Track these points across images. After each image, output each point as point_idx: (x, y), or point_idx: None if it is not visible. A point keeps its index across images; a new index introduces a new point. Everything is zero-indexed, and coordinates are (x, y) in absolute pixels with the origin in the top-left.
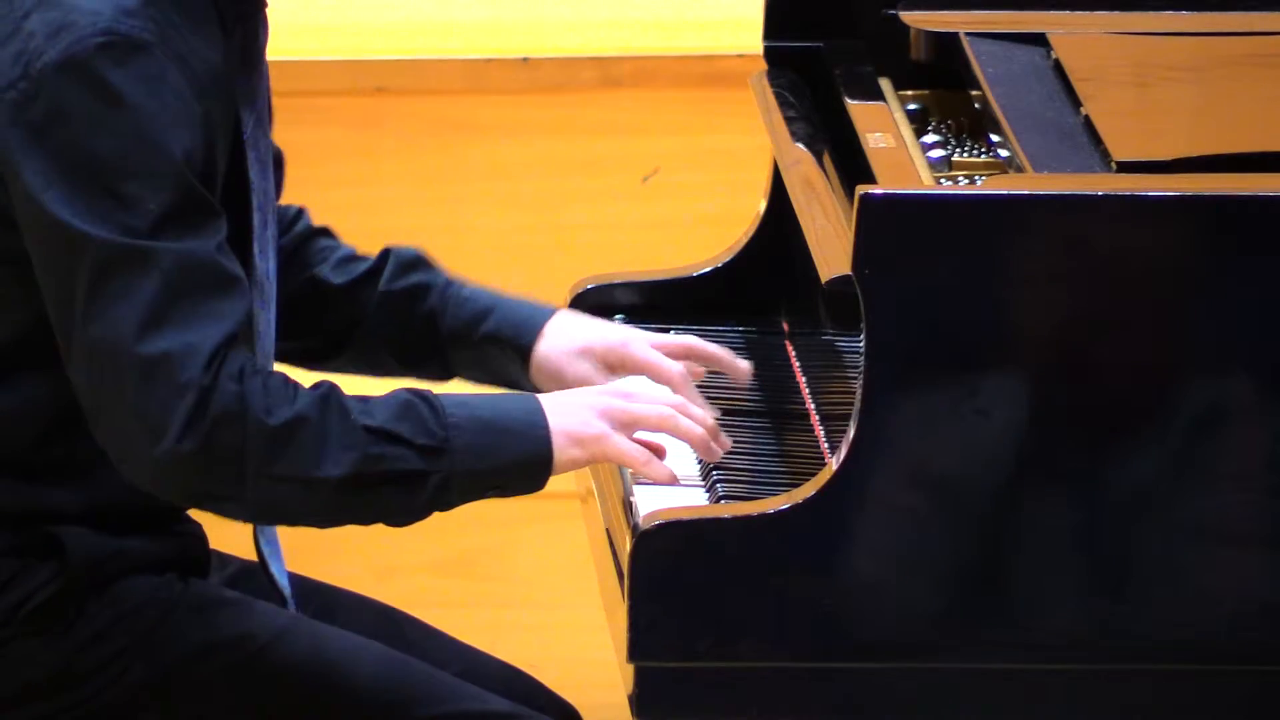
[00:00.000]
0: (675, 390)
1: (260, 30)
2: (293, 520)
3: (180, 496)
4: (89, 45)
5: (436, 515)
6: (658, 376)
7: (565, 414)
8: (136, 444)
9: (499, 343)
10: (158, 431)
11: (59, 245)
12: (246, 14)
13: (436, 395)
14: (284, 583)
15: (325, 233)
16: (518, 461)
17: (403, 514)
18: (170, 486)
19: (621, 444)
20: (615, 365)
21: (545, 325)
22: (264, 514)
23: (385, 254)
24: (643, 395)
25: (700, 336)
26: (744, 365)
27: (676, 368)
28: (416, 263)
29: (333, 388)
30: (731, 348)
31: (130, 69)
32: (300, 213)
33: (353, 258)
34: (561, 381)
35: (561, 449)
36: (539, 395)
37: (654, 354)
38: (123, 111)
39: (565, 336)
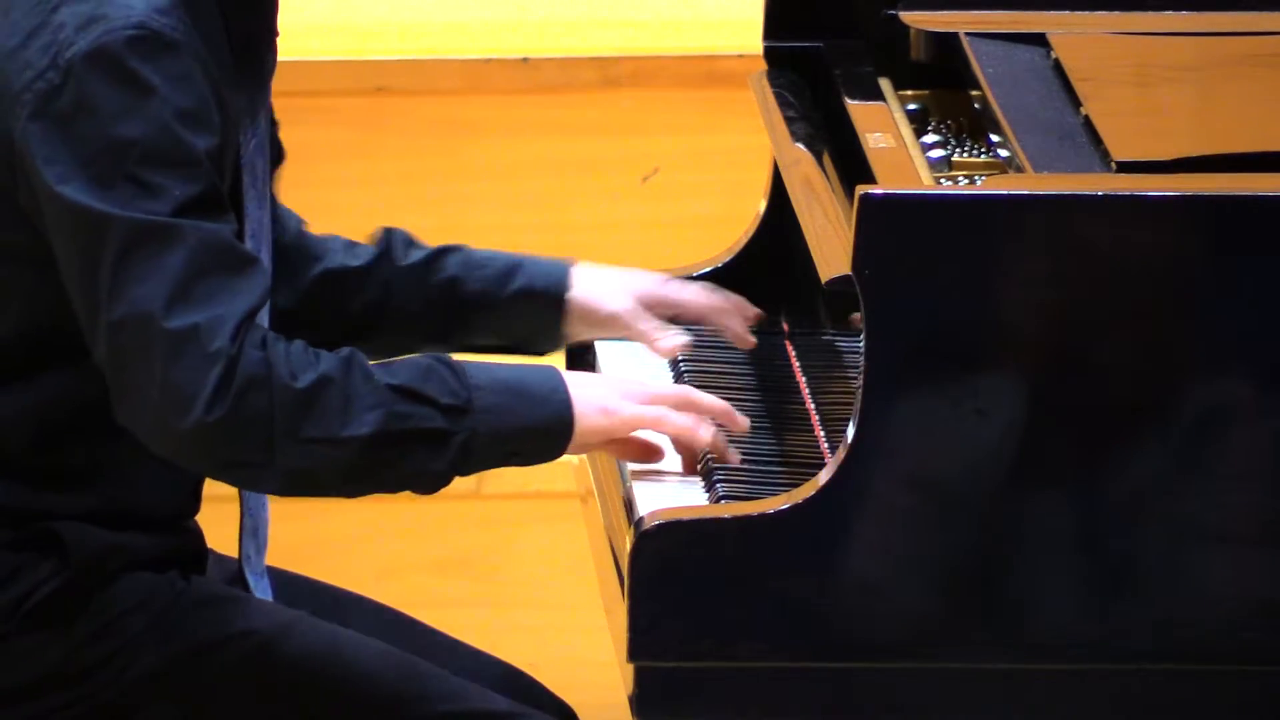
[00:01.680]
0: (714, 318)
1: (266, 58)
2: (321, 488)
3: (211, 467)
4: (120, 37)
5: (436, 515)
6: (695, 308)
7: (584, 384)
8: (166, 417)
9: (531, 295)
10: (188, 402)
11: (82, 229)
12: (255, 40)
13: (457, 360)
14: (259, 592)
15: (306, 226)
16: (540, 424)
17: (427, 477)
18: (201, 456)
19: (638, 408)
20: (652, 303)
21: (572, 273)
22: (293, 481)
23: (386, 234)
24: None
25: (700, 337)
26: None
27: (713, 298)
28: (414, 240)
29: (354, 352)
30: (731, 348)
31: (159, 64)
32: (288, 212)
33: (354, 244)
34: (596, 316)
35: (583, 415)
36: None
37: (690, 288)
38: (150, 102)
39: (598, 279)
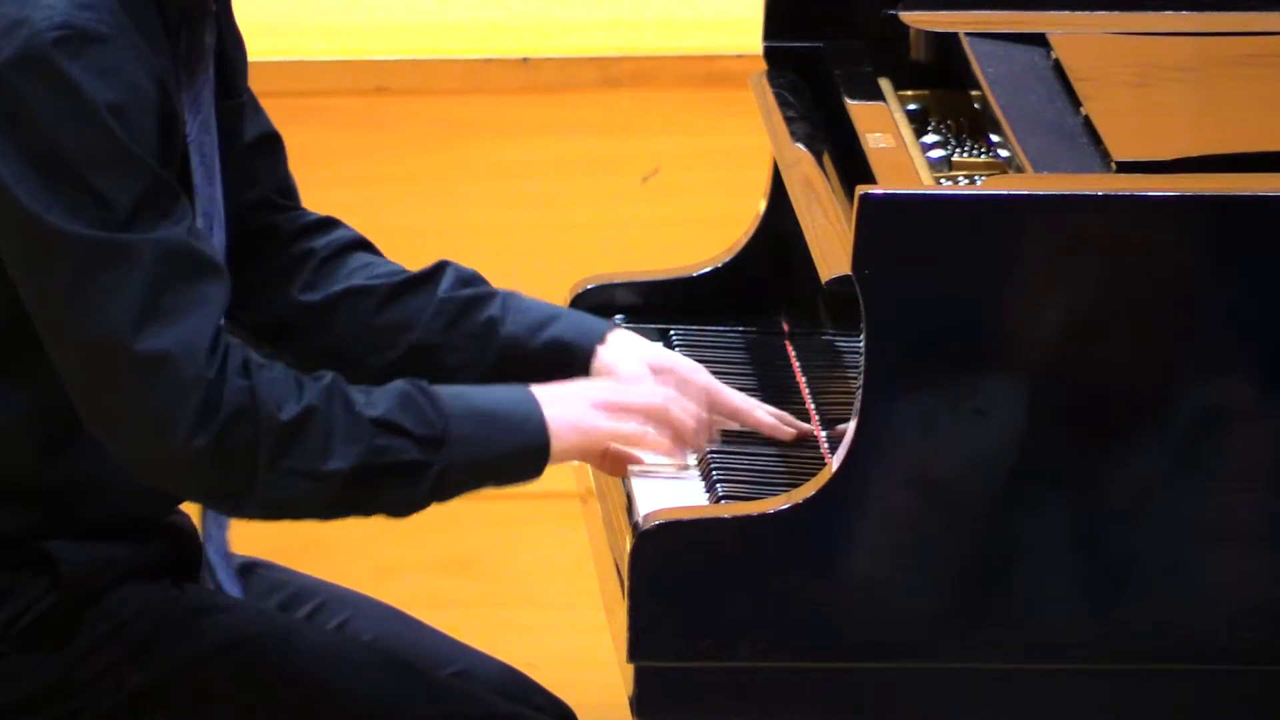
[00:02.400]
0: (744, 421)
1: (206, 33)
2: (298, 514)
3: (191, 492)
4: (46, 39)
5: (436, 515)
6: (722, 406)
7: (559, 402)
8: (144, 441)
9: (561, 348)
10: (167, 429)
11: (35, 242)
12: (192, 17)
13: (432, 386)
14: (230, 588)
15: (368, 246)
16: (515, 452)
17: (404, 505)
18: (182, 482)
19: (616, 424)
20: (677, 388)
21: (607, 334)
22: (271, 509)
23: (442, 264)
24: (635, 386)
25: (700, 337)
26: (791, 431)
27: (743, 400)
28: (475, 279)
29: (335, 378)
30: (731, 348)
31: (87, 61)
32: (334, 221)
33: (402, 271)
34: None
35: (558, 436)
36: (532, 386)
37: (720, 385)
38: (83, 104)
39: (629, 349)
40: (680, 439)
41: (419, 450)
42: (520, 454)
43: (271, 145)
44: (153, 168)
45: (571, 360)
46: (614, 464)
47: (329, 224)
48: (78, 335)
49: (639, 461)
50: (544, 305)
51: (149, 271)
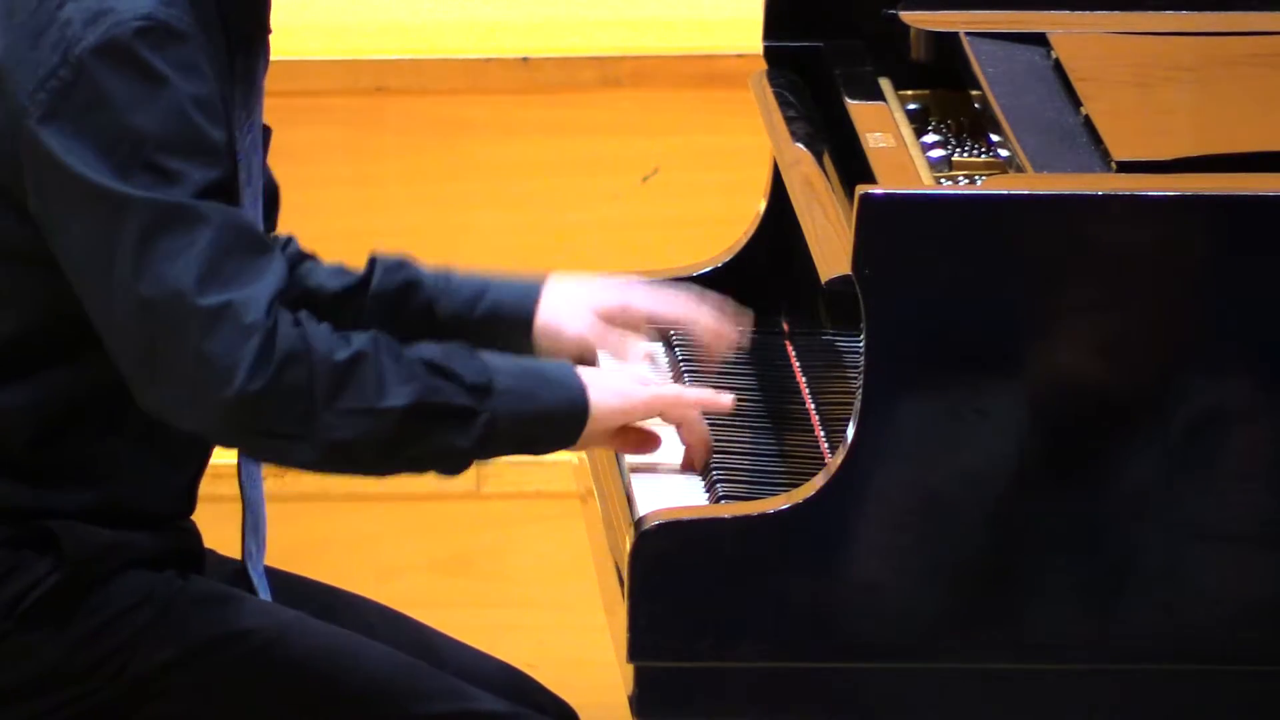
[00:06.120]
0: (683, 325)
1: (261, 57)
2: (354, 463)
3: (249, 439)
4: (128, 29)
5: (436, 515)
6: (661, 320)
7: (596, 372)
8: (203, 391)
9: (499, 317)
10: (226, 375)
11: (100, 211)
12: (250, 38)
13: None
14: (261, 589)
15: (313, 257)
16: (557, 407)
17: (453, 456)
18: (240, 429)
19: (655, 391)
20: (616, 315)
21: (541, 292)
22: (331, 453)
23: (372, 262)
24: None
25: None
26: (731, 332)
27: (680, 307)
28: (402, 264)
29: (379, 331)
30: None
31: (169, 53)
32: (290, 239)
33: (344, 270)
34: (560, 340)
35: (598, 399)
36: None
37: (656, 295)
38: (164, 91)
39: (563, 298)
40: (700, 435)
41: (468, 396)
42: (562, 411)
43: (274, 197)
44: (225, 159)
45: (510, 328)
46: (637, 441)
47: (286, 243)
48: (144, 294)
49: (658, 439)
50: (473, 277)
51: (215, 235)
